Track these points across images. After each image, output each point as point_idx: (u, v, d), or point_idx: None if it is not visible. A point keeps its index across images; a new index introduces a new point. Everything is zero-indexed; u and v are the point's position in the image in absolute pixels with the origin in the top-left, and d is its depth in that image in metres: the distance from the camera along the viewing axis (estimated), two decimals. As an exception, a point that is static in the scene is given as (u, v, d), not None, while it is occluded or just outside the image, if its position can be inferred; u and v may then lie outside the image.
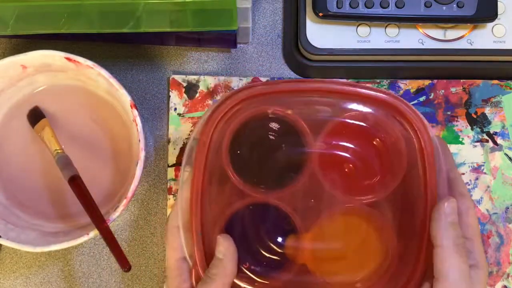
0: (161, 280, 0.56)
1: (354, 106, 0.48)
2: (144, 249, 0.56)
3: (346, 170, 0.48)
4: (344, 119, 0.48)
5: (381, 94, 0.47)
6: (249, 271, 0.47)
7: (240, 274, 0.47)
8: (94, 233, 0.49)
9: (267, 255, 0.48)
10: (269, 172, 0.49)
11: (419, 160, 0.46)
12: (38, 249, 0.49)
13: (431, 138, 0.46)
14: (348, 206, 0.48)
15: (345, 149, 0.48)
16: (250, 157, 0.49)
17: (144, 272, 0.56)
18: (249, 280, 0.47)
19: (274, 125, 0.49)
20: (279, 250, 0.48)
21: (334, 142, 0.48)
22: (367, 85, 0.51)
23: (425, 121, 0.47)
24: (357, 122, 0.48)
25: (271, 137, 0.49)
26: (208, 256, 0.46)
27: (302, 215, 0.48)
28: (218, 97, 0.57)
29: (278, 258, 0.48)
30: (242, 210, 0.48)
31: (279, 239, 0.48)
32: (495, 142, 0.56)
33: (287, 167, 0.48)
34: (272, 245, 0.48)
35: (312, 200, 0.48)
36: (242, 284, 0.47)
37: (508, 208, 0.56)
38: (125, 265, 0.47)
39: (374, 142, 0.48)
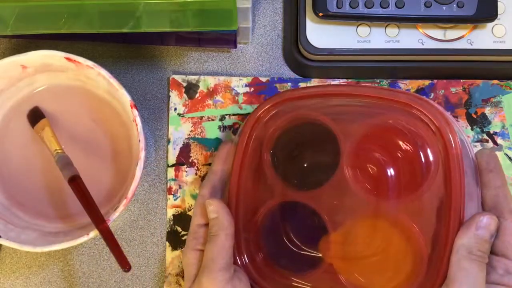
0: (161, 280, 0.56)
1: (386, 110, 0.48)
2: (144, 249, 0.56)
3: (375, 173, 0.48)
4: (376, 123, 0.48)
5: (413, 98, 0.47)
6: (278, 266, 0.49)
7: (267, 267, 0.49)
8: (94, 233, 0.49)
9: (297, 252, 0.49)
10: (303, 173, 0.50)
11: (445, 164, 0.45)
12: (38, 249, 0.49)
13: (457, 142, 0.45)
14: (377, 210, 0.48)
15: (376, 152, 0.49)
16: (286, 158, 0.50)
17: (144, 272, 0.56)
18: (277, 275, 0.49)
19: (309, 129, 0.50)
20: (308, 249, 0.49)
21: (365, 146, 0.48)
22: (399, 89, 0.51)
23: (454, 125, 0.46)
24: (388, 126, 0.48)
25: (306, 140, 0.50)
26: (248, 252, 0.49)
27: (332, 215, 0.49)
28: (218, 97, 0.57)
29: (307, 256, 0.49)
30: (275, 208, 0.50)
31: (309, 238, 0.49)
32: (495, 142, 0.56)
33: (320, 169, 0.50)
34: (301, 243, 0.49)
35: (343, 202, 0.48)
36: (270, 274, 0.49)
37: (508, 208, 0.56)
38: (125, 265, 0.47)
39: (404, 146, 0.48)
